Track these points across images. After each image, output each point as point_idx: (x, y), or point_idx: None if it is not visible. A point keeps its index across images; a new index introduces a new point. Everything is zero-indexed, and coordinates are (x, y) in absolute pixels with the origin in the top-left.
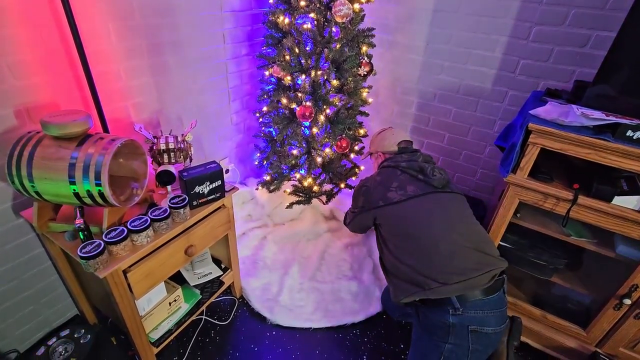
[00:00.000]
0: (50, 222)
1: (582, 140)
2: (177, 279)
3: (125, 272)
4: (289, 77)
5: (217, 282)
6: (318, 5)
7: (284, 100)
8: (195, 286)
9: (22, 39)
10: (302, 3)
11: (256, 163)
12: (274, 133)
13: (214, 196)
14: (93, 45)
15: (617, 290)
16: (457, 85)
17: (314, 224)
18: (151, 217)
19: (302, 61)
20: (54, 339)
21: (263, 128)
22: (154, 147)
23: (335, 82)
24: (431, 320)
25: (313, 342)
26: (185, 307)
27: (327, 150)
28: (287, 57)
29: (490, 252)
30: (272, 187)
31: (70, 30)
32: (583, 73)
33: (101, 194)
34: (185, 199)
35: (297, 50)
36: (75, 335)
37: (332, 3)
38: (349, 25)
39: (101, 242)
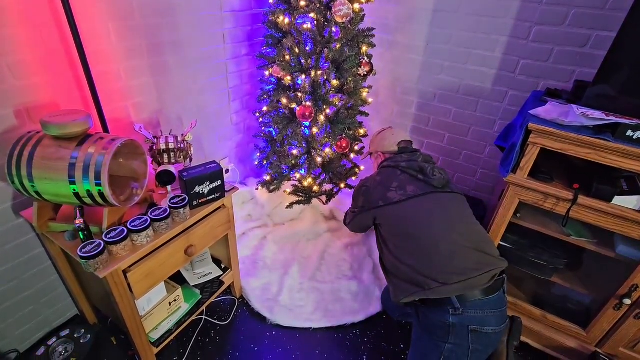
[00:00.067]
0: (50, 222)
1: (582, 140)
2: (177, 279)
3: (125, 272)
4: (289, 77)
5: (217, 282)
6: (318, 5)
7: (284, 100)
8: (195, 286)
9: (22, 39)
10: (302, 3)
11: (256, 163)
12: (274, 133)
13: (214, 196)
14: (93, 45)
15: (617, 290)
16: (457, 85)
17: (314, 224)
18: (151, 217)
19: (302, 61)
20: (54, 339)
21: (263, 128)
22: (154, 147)
23: (335, 82)
24: (431, 320)
25: (313, 342)
26: (185, 307)
27: (327, 150)
28: (287, 57)
29: (490, 252)
30: (272, 187)
31: (70, 30)
32: (583, 73)
33: (101, 194)
34: (185, 199)
35: (297, 50)
36: (75, 335)
37: (332, 3)
38: (349, 25)
39: (101, 242)
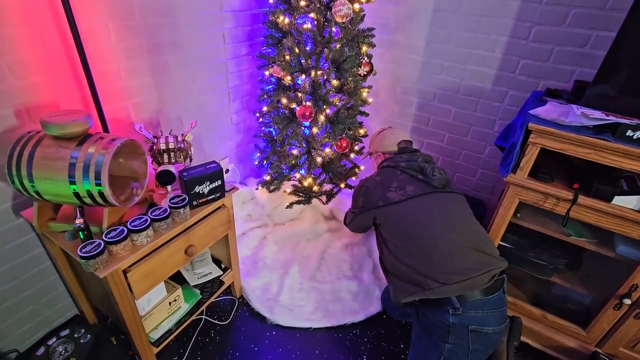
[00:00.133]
0: (50, 221)
1: (582, 140)
2: (177, 278)
3: (125, 272)
4: (289, 77)
5: (217, 282)
6: (318, 5)
7: (284, 100)
8: (195, 286)
9: (22, 38)
10: (302, 3)
11: (256, 163)
12: (274, 133)
13: (214, 196)
14: (93, 45)
15: (617, 290)
16: (457, 85)
17: (314, 224)
18: (151, 217)
19: (302, 61)
20: (54, 339)
21: (263, 128)
22: (154, 147)
23: (335, 82)
24: (431, 320)
25: (313, 342)
26: (185, 307)
27: (327, 150)
28: (287, 57)
29: (490, 251)
30: (272, 187)
31: (70, 30)
32: (583, 73)
33: (101, 194)
34: (185, 198)
35: (297, 50)
36: (75, 335)
37: (332, 3)
38: (349, 25)
39: (101, 241)
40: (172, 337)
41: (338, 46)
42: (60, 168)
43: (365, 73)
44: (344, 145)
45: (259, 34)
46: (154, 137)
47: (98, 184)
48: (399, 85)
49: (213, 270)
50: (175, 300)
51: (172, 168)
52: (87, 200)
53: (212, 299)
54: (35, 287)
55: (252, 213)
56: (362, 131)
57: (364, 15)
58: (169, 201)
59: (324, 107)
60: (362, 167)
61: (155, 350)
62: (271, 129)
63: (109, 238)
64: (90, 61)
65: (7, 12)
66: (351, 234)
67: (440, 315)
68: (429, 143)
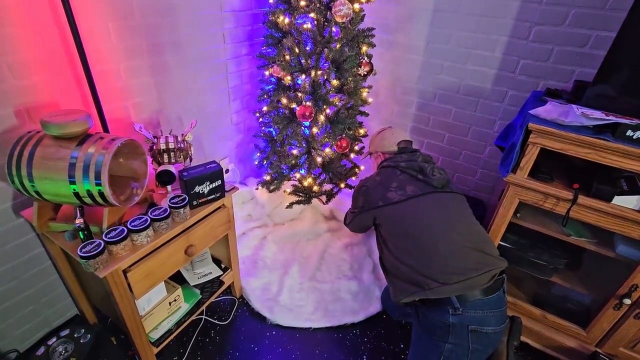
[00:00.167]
0: (50, 221)
1: (582, 140)
2: (177, 278)
3: (125, 271)
4: (289, 77)
5: (217, 282)
6: (318, 5)
7: (284, 100)
8: (195, 286)
9: (22, 38)
10: (302, 3)
11: (256, 163)
12: (274, 133)
13: (214, 196)
14: (93, 45)
15: (617, 290)
16: (457, 85)
17: (314, 224)
18: (151, 216)
19: (302, 61)
20: (54, 339)
21: (263, 128)
22: (154, 147)
23: (335, 82)
24: (431, 320)
25: (313, 342)
26: (185, 307)
27: (327, 150)
28: (287, 57)
29: (490, 251)
30: (272, 187)
31: (70, 29)
32: (583, 73)
33: (101, 194)
34: (185, 198)
35: (297, 50)
36: (75, 335)
37: (332, 3)
38: (349, 25)
39: (101, 241)
40: (172, 337)
41: (338, 46)
42: (60, 168)
43: (365, 73)
44: (344, 145)
45: (259, 34)
46: (154, 137)
47: (98, 184)
48: (399, 85)
49: (213, 270)
50: (175, 300)
51: (172, 168)
52: (87, 200)
53: (212, 299)
54: (35, 287)
55: (252, 213)
56: (362, 131)
57: (364, 15)
58: (169, 201)
59: (324, 107)
60: (362, 167)
61: (155, 350)
62: (271, 129)
63: (109, 238)
64: (90, 61)
65: (7, 12)
66: (351, 234)
67: (440, 315)
68: (429, 143)
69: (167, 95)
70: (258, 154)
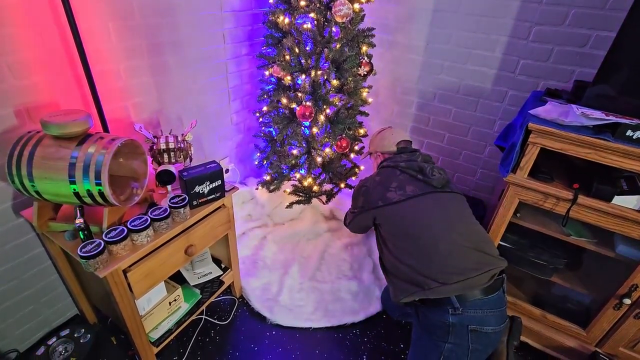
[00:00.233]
0: (50, 221)
1: (582, 140)
2: (177, 278)
3: (125, 271)
4: (289, 77)
5: (217, 281)
6: (318, 5)
7: (284, 100)
8: (195, 286)
9: (22, 38)
10: (302, 3)
11: (256, 163)
12: (274, 133)
13: (214, 196)
14: (93, 45)
15: (617, 290)
16: (457, 85)
17: (314, 223)
18: (151, 216)
19: (302, 61)
20: (54, 339)
21: (263, 128)
22: (154, 147)
23: (335, 82)
24: (431, 320)
25: (313, 342)
26: (185, 307)
27: (327, 150)
28: (287, 57)
29: (490, 251)
30: (272, 187)
31: (70, 29)
32: (583, 73)
33: (101, 194)
34: (185, 198)
35: (297, 50)
36: (75, 335)
37: (332, 3)
38: (349, 25)
39: (101, 241)
40: (172, 337)
41: (338, 46)
42: (60, 168)
43: (365, 73)
44: (344, 145)
45: (259, 34)
46: (154, 137)
47: (98, 184)
48: (399, 85)
49: (213, 270)
50: (175, 300)
51: (172, 168)
52: (87, 200)
53: (212, 299)
54: (35, 287)
55: (252, 213)
56: (362, 131)
57: (364, 15)
58: (169, 201)
59: (324, 107)
60: (362, 167)
61: (155, 350)
62: (271, 129)
63: (109, 238)
64: (90, 61)
65: (7, 12)
66: (351, 234)
67: (440, 315)
68: (429, 143)
69: (167, 95)
70: (258, 154)
